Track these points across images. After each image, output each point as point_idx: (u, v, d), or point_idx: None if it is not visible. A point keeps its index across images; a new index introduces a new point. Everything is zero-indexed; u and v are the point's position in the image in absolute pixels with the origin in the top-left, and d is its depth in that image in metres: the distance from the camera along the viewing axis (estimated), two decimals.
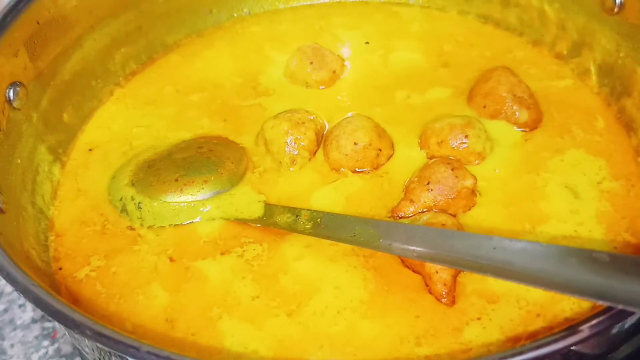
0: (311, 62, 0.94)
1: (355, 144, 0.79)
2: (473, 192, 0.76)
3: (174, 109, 0.93)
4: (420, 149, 0.83)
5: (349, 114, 0.87)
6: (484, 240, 0.61)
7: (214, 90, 0.95)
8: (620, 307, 0.52)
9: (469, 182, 0.74)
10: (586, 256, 0.56)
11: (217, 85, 0.96)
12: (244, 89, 0.95)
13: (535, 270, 0.57)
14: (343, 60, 0.97)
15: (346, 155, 0.80)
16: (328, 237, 0.70)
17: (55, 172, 0.85)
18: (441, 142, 0.81)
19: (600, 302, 0.53)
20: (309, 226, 0.72)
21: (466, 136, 0.80)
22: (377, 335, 0.65)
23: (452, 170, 0.75)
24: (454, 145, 0.80)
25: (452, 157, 0.80)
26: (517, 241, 0.60)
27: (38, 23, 0.82)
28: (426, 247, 0.63)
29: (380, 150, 0.80)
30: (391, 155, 0.82)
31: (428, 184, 0.74)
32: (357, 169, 0.80)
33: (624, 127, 0.85)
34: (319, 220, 0.72)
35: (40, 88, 0.84)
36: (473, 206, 0.76)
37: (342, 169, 0.81)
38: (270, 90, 0.95)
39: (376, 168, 0.80)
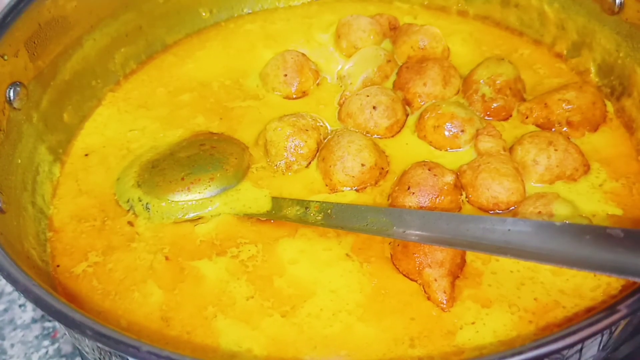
0: (285, 75, 0.92)
1: (362, 165, 0.77)
2: (456, 187, 0.75)
3: (166, 109, 0.93)
4: (417, 133, 0.84)
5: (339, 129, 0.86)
6: (498, 222, 0.61)
7: (202, 90, 0.96)
8: (637, 280, 0.52)
9: (448, 178, 0.74)
10: (601, 233, 0.56)
11: (205, 86, 0.96)
12: (232, 90, 0.95)
13: (551, 249, 0.58)
14: (319, 74, 0.96)
15: (353, 177, 0.78)
16: (341, 228, 0.70)
17: (55, 172, 0.85)
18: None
19: (617, 276, 0.55)
20: (319, 217, 0.72)
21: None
22: (372, 337, 0.65)
23: (429, 169, 0.74)
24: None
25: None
26: (531, 221, 0.61)
27: (39, 23, 0.82)
28: (441, 233, 0.64)
29: (382, 168, 0.80)
30: (387, 171, 0.81)
31: (409, 188, 0.74)
32: (358, 188, 0.79)
33: (624, 127, 0.85)
34: (329, 211, 0.72)
35: (40, 88, 0.84)
36: (459, 209, 0.75)
37: (345, 188, 0.79)
38: (257, 93, 0.95)
39: (374, 184, 0.79)
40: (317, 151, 0.83)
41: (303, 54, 0.95)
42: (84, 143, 0.89)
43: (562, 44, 0.96)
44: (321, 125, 0.86)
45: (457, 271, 0.69)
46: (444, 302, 0.66)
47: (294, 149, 0.81)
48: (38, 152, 0.83)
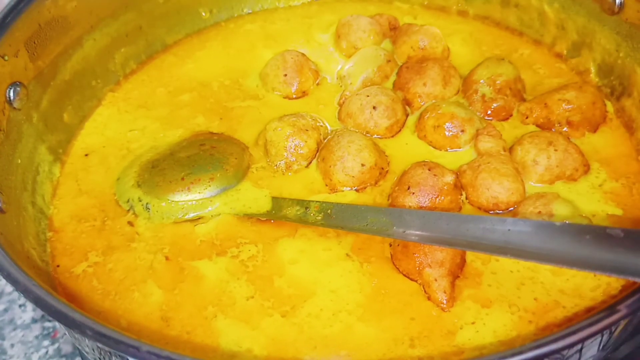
0: (285, 75, 0.92)
1: (362, 165, 0.77)
2: (456, 187, 0.75)
3: (166, 109, 0.93)
4: (417, 133, 0.84)
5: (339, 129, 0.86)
6: (498, 222, 0.61)
7: (202, 90, 0.96)
8: (637, 280, 0.52)
9: (448, 178, 0.74)
10: (601, 233, 0.56)
11: (205, 86, 0.97)
12: (232, 90, 0.96)
13: (551, 249, 0.58)
14: (319, 74, 0.96)
15: (353, 177, 0.78)
16: (341, 228, 0.71)
17: (55, 172, 0.85)
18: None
19: (616, 276, 0.55)
20: (319, 217, 0.72)
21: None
22: (372, 337, 0.65)
23: (429, 170, 0.74)
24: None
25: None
26: (531, 221, 0.61)
27: (39, 23, 0.82)
28: (441, 233, 0.64)
29: (382, 168, 0.80)
30: (387, 171, 0.81)
31: (409, 188, 0.74)
32: (358, 188, 0.79)
33: (624, 127, 0.85)
34: (329, 211, 0.72)
35: (40, 88, 0.84)
36: (459, 209, 0.75)
37: (345, 188, 0.79)
38: (257, 93, 0.95)
39: (374, 184, 0.80)
40: (317, 151, 0.83)
41: (303, 54, 0.96)
42: (84, 143, 0.90)
43: (562, 44, 0.96)
44: (321, 125, 0.86)
45: (457, 271, 0.69)
46: (444, 302, 0.66)
47: (294, 149, 0.81)
48: (38, 152, 0.83)
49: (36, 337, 0.87)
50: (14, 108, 0.79)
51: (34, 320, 0.89)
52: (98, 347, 0.59)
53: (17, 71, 0.79)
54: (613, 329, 0.58)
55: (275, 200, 0.78)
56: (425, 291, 0.68)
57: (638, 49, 0.83)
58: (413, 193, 0.73)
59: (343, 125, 0.87)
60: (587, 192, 0.77)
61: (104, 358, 0.61)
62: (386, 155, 0.82)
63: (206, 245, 0.74)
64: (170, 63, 1.02)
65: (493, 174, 0.74)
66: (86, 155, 0.88)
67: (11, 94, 0.78)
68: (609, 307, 0.55)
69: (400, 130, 0.86)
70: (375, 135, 0.85)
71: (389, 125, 0.84)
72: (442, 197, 0.73)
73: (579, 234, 0.57)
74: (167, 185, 0.79)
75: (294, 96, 0.93)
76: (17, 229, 0.73)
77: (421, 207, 0.73)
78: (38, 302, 0.57)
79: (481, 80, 0.86)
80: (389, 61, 0.93)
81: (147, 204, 0.78)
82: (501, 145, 0.80)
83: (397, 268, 0.70)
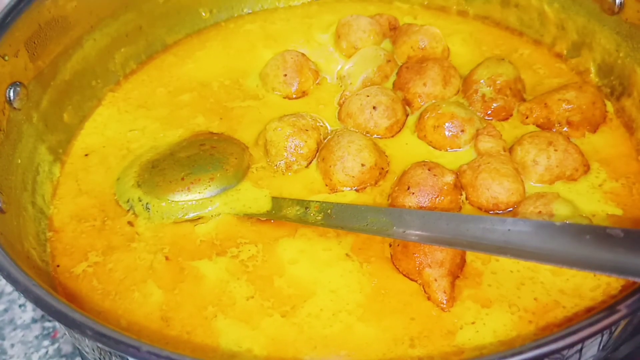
0: (285, 75, 0.92)
1: (362, 165, 0.77)
2: (456, 187, 0.75)
3: (166, 109, 0.93)
4: (417, 133, 0.84)
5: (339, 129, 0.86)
6: (498, 222, 0.61)
7: (202, 90, 0.96)
8: (637, 280, 0.52)
9: (448, 178, 0.74)
10: (601, 233, 0.56)
11: (205, 86, 0.97)
12: (232, 90, 0.96)
13: (551, 249, 0.58)
14: (319, 74, 0.96)
15: (353, 177, 0.78)
16: (341, 228, 0.71)
17: (55, 172, 0.85)
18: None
19: (617, 276, 0.55)
20: (319, 217, 0.72)
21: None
22: (372, 337, 0.65)
23: (429, 170, 0.75)
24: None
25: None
26: (531, 221, 0.61)
27: (39, 23, 0.82)
28: (441, 233, 0.64)
29: (382, 168, 0.80)
30: (387, 171, 0.81)
31: (408, 188, 0.74)
32: (358, 188, 0.79)
33: (624, 127, 0.85)
34: (329, 211, 0.72)
35: (40, 88, 0.84)
36: (459, 209, 0.75)
37: (345, 188, 0.79)
38: (257, 93, 0.95)
39: (374, 184, 0.80)
40: (317, 151, 0.83)
41: (303, 54, 0.96)
42: (84, 143, 0.90)
43: (562, 44, 0.96)
44: (321, 125, 0.86)
45: (457, 271, 0.69)
46: (444, 302, 0.66)
47: (294, 149, 0.81)
48: (38, 152, 0.83)
49: (36, 337, 0.87)
50: (14, 108, 0.79)
51: (34, 320, 0.89)
52: (98, 347, 0.59)
53: (17, 71, 0.79)
54: (613, 329, 0.58)
55: (275, 200, 0.78)
56: (425, 291, 0.68)
57: (638, 49, 0.83)
58: (413, 193, 0.73)
59: (343, 125, 0.87)
60: (587, 192, 0.77)
61: (104, 358, 0.61)
62: (386, 155, 0.82)
63: (206, 245, 0.74)
64: (170, 63, 1.02)
65: (493, 174, 0.74)
66: (86, 155, 0.88)
67: (11, 94, 0.78)
68: (609, 307, 0.55)
69: (400, 130, 0.86)
70: (375, 135, 0.85)
71: (389, 125, 0.84)
72: (442, 197, 0.73)
73: (579, 234, 0.58)
74: (167, 185, 0.79)
75: (294, 96, 0.93)
76: (17, 229, 0.73)
77: (421, 207, 0.73)
78: (38, 302, 0.57)
79: (481, 80, 0.87)
80: (389, 61, 0.93)
81: (147, 204, 0.78)
82: (501, 145, 0.80)
83: (397, 268, 0.70)
